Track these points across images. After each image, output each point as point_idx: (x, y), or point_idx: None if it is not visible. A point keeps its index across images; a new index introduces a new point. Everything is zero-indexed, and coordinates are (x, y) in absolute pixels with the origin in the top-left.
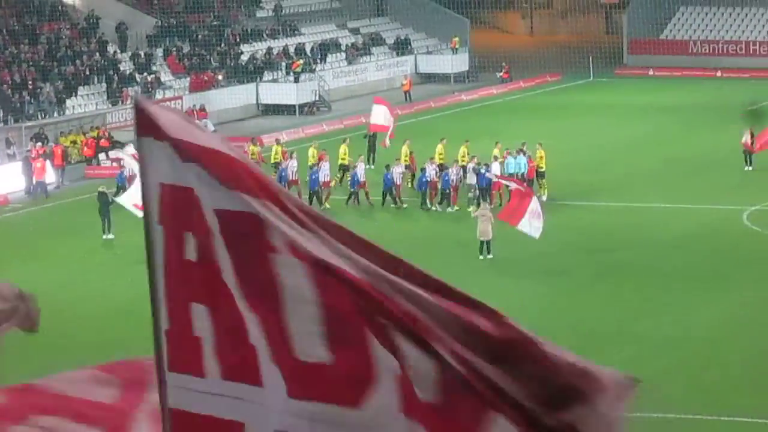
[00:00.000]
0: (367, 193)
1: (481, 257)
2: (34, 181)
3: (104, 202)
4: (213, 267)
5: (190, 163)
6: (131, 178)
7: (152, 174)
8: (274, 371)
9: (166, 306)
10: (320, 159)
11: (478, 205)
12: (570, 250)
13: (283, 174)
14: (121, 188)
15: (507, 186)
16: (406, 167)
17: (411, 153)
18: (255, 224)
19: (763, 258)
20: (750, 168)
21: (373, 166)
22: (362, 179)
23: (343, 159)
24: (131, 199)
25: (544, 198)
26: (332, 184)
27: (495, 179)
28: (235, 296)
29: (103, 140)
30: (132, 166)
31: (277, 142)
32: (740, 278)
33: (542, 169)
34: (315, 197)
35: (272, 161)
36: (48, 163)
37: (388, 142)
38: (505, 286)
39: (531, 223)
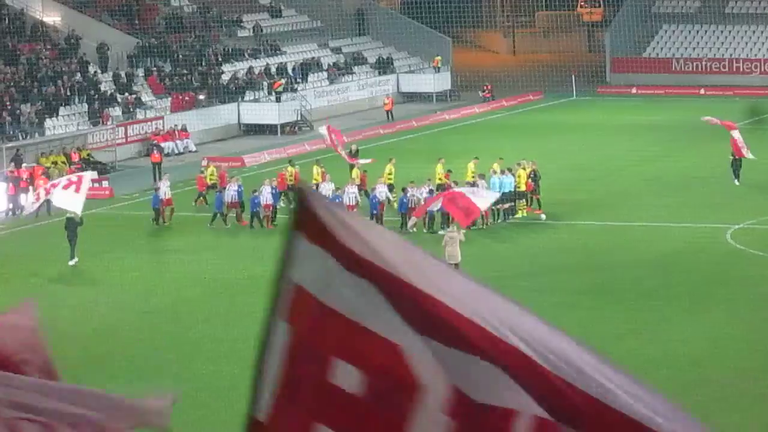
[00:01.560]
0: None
1: None
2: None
3: (72, 228)
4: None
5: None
6: (167, 202)
7: (295, 271)
8: None
9: (272, 404)
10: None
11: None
12: (551, 270)
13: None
14: (157, 211)
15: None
16: (390, 187)
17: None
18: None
19: (746, 277)
20: (737, 182)
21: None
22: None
23: (316, 179)
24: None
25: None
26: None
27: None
28: None
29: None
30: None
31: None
32: (723, 297)
33: (521, 189)
34: None
35: (209, 182)
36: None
37: (361, 161)
38: None
39: (483, 199)
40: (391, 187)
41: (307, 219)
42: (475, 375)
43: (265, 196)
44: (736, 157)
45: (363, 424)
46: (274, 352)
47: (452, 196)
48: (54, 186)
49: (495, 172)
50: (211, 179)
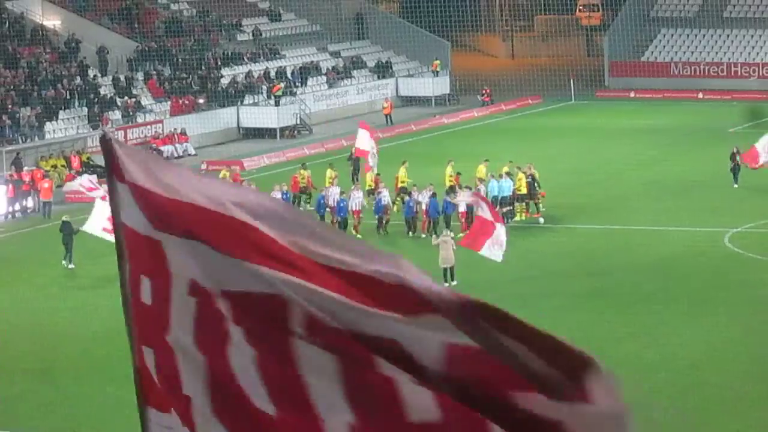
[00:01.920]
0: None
1: (445, 284)
2: (37, 202)
3: (68, 231)
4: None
5: (165, 233)
6: None
7: (121, 214)
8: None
9: (132, 343)
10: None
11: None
12: (551, 274)
13: None
14: None
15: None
16: (403, 190)
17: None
18: (276, 306)
19: (744, 280)
20: (736, 186)
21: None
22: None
23: (330, 181)
24: (98, 224)
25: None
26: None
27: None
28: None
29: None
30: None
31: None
32: (722, 301)
33: (521, 192)
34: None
35: None
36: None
37: (371, 164)
38: None
39: (492, 249)
40: (403, 190)
41: (116, 164)
42: (203, 262)
43: None
44: (743, 162)
45: (151, 324)
46: (126, 292)
47: (489, 223)
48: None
49: (481, 179)
50: (302, 182)
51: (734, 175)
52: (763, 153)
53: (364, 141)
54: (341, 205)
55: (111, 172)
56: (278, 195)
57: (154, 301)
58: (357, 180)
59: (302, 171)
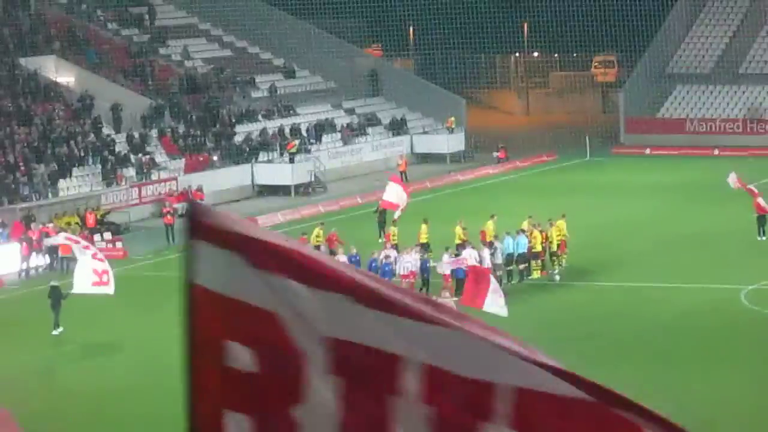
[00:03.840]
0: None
1: None
2: (57, 257)
3: (56, 296)
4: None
5: (266, 274)
6: None
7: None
8: None
9: (196, 412)
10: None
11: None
12: (565, 331)
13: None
14: None
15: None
16: (424, 246)
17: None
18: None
19: (760, 338)
20: (764, 238)
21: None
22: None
23: (317, 241)
24: (86, 281)
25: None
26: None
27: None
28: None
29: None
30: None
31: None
32: (737, 358)
33: (536, 250)
34: None
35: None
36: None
37: (397, 215)
38: None
39: (495, 302)
40: (425, 247)
41: (202, 226)
42: (350, 318)
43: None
44: (760, 214)
45: (264, 400)
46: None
47: (482, 276)
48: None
49: (491, 235)
50: (316, 242)
51: (760, 226)
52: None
53: (392, 195)
54: (386, 269)
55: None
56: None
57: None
58: (382, 234)
59: (318, 229)
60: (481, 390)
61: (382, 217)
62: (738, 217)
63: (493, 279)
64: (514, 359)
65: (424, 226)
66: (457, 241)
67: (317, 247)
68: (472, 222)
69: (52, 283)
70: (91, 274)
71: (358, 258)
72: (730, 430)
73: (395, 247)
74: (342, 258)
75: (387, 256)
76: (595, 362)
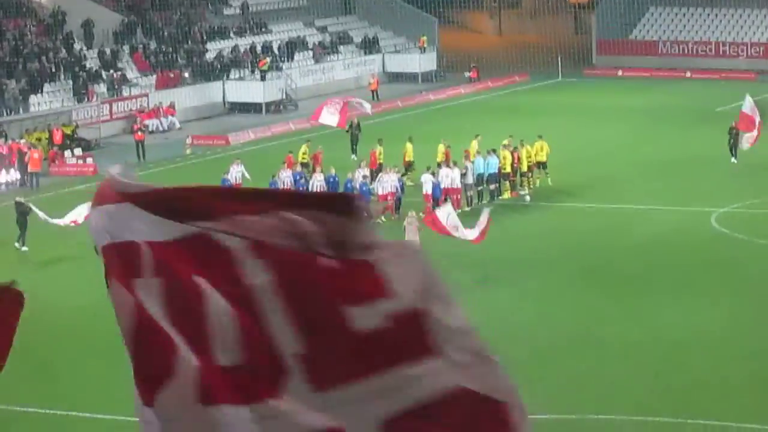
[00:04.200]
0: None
1: None
2: (22, 174)
3: (21, 212)
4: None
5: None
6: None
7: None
8: None
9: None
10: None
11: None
12: (536, 253)
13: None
14: None
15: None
16: (304, 166)
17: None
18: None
19: (730, 260)
20: (735, 161)
21: (355, 157)
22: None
23: (303, 158)
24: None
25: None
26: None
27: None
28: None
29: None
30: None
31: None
32: (707, 281)
33: (506, 171)
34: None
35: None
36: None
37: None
38: (466, 289)
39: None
40: (410, 165)
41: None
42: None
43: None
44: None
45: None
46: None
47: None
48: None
49: (474, 154)
50: (303, 159)
51: (733, 150)
52: (754, 115)
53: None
54: (363, 189)
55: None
56: (239, 168)
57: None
58: (355, 150)
59: (305, 146)
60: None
61: (355, 133)
62: (710, 140)
63: (451, 215)
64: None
65: (409, 145)
66: (439, 160)
67: (304, 165)
68: (449, 142)
69: (17, 198)
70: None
71: (336, 178)
72: (699, 353)
73: (380, 166)
74: (320, 177)
75: (364, 176)
76: (564, 284)
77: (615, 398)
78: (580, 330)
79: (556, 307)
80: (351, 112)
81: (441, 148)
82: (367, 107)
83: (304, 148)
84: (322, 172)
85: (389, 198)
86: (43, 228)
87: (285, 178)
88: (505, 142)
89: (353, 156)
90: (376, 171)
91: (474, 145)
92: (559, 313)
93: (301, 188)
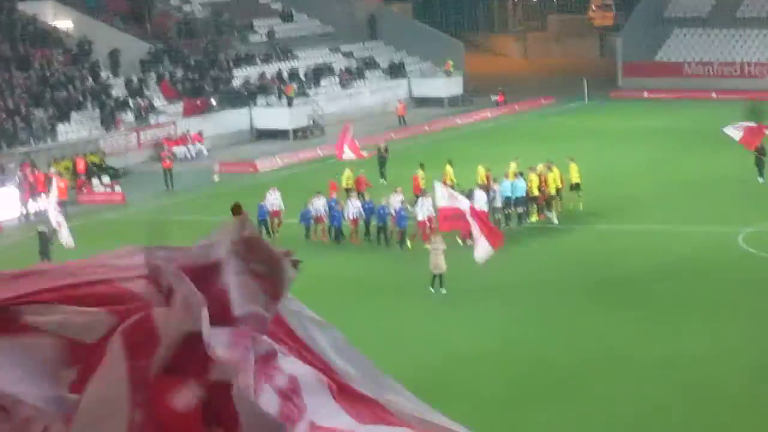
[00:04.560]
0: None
1: (432, 290)
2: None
3: (44, 241)
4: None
5: None
6: (275, 214)
7: None
8: None
9: None
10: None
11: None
12: (563, 274)
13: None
14: (263, 223)
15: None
16: (348, 191)
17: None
18: None
19: (758, 280)
20: (762, 180)
21: (385, 181)
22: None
23: (348, 184)
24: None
25: (555, 221)
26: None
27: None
28: None
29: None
30: None
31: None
32: (734, 301)
33: (533, 194)
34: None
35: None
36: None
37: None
38: (495, 313)
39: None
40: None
41: None
42: None
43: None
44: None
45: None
46: None
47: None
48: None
49: (508, 176)
50: (347, 184)
51: (760, 169)
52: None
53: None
54: (402, 214)
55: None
56: (276, 196)
57: None
58: (384, 174)
59: (349, 170)
60: None
61: (384, 156)
62: (736, 161)
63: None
64: None
65: (449, 168)
66: (479, 181)
67: (347, 190)
68: (472, 165)
69: (40, 228)
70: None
71: (371, 205)
72: (724, 373)
73: (423, 190)
74: (356, 203)
75: (402, 201)
76: (593, 306)
77: (648, 418)
78: (605, 351)
79: (583, 327)
80: (354, 140)
81: (481, 170)
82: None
83: (347, 172)
84: (358, 197)
85: (428, 223)
86: (69, 255)
87: (319, 206)
88: (513, 164)
89: (382, 180)
90: (418, 195)
91: (513, 165)
92: (586, 332)
93: (336, 215)
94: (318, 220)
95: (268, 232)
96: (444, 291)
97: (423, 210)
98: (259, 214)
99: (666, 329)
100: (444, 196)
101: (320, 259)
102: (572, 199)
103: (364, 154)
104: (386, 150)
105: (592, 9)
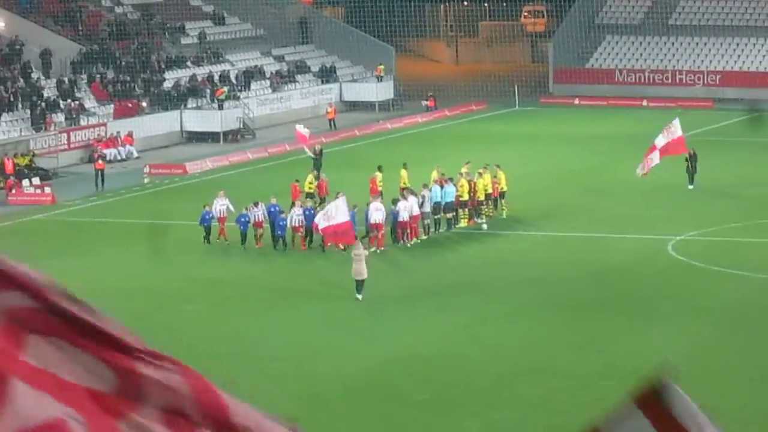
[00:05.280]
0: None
1: (359, 297)
2: None
3: None
4: None
5: None
6: (222, 220)
7: None
8: None
9: None
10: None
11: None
12: (494, 281)
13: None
14: (207, 229)
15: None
16: (310, 196)
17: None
18: None
19: (687, 288)
20: (692, 187)
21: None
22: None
23: (309, 188)
24: None
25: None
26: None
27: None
28: None
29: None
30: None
31: None
32: (665, 309)
33: (464, 199)
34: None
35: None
36: None
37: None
38: (426, 318)
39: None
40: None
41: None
42: None
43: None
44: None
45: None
46: None
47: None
48: None
49: (433, 182)
50: (309, 188)
51: (690, 177)
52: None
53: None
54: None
55: None
56: (223, 202)
57: None
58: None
59: (311, 175)
60: None
61: (319, 160)
62: (666, 168)
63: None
64: None
65: (403, 171)
66: (402, 185)
67: (310, 195)
68: (396, 171)
69: None
70: None
71: (312, 211)
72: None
73: (380, 193)
74: (298, 211)
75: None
76: (522, 313)
77: (568, 428)
78: (536, 360)
79: (514, 336)
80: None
81: (404, 173)
82: (304, 131)
83: (310, 177)
84: (320, 202)
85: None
86: None
87: (257, 213)
88: (464, 169)
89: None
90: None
91: (434, 174)
92: (518, 340)
93: (280, 222)
94: (257, 225)
95: (207, 239)
96: (360, 297)
97: (374, 214)
98: (202, 220)
99: (594, 337)
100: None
101: (253, 264)
102: (504, 208)
103: (307, 150)
104: (320, 152)
105: (524, 15)
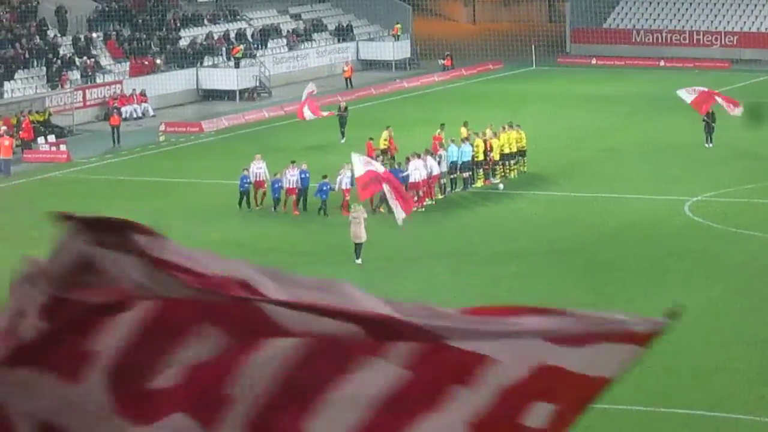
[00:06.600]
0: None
1: (359, 261)
2: None
3: None
4: None
5: None
6: (259, 184)
7: None
8: None
9: None
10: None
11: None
12: (509, 241)
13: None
14: (244, 194)
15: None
16: (384, 153)
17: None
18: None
19: (702, 249)
20: (710, 145)
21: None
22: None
23: (384, 144)
24: None
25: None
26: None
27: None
28: None
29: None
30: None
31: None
32: (679, 270)
33: (479, 159)
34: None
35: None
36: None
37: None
38: (441, 280)
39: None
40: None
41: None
42: None
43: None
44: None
45: None
46: None
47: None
48: None
49: (450, 141)
50: (384, 145)
51: (708, 134)
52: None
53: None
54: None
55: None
56: (260, 165)
57: None
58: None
59: (386, 132)
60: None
61: (344, 116)
62: (684, 128)
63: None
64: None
65: (385, 133)
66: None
67: (383, 151)
68: (420, 129)
69: None
70: None
71: (307, 174)
72: (671, 341)
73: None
74: (292, 172)
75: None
76: (537, 272)
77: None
78: None
79: (528, 294)
80: (316, 100)
81: (384, 135)
82: (312, 87)
83: (385, 134)
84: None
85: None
86: None
87: (291, 177)
88: (488, 130)
89: (342, 140)
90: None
91: (463, 131)
92: (532, 299)
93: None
94: (258, 185)
95: (248, 204)
96: (359, 261)
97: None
98: (240, 184)
99: (611, 297)
100: (360, 165)
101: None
102: (517, 166)
103: (324, 113)
104: (345, 109)
105: None
